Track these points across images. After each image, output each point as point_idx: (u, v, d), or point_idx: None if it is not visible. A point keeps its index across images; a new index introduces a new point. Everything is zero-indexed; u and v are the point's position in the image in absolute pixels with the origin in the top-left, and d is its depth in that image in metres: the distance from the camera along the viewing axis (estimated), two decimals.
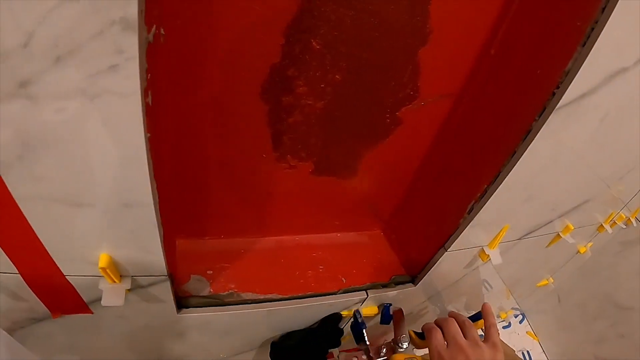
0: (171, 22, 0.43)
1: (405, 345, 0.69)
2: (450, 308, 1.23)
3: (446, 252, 0.73)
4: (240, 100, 0.56)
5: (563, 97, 0.51)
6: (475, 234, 0.72)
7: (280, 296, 0.75)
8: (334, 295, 0.77)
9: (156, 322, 0.71)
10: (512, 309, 1.61)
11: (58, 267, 0.48)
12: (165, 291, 0.61)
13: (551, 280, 1.35)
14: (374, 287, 0.80)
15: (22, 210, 0.40)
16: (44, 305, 0.55)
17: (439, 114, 0.69)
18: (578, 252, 1.21)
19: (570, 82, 0.49)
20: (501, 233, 0.77)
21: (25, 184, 0.38)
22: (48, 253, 0.46)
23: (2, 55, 0.29)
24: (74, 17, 0.28)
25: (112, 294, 0.50)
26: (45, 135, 0.34)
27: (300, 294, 0.76)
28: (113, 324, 0.67)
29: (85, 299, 0.55)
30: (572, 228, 0.95)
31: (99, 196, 0.41)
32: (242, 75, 0.53)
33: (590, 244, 1.20)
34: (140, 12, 0.29)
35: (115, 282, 0.50)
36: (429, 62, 0.60)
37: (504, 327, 1.65)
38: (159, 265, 0.53)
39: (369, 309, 0.82)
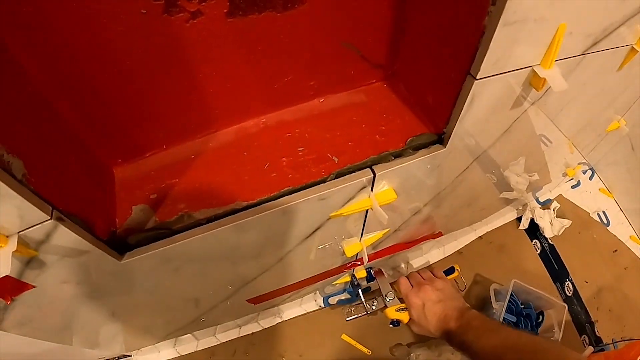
0: None
1: (389, 299, 0.82)
2: (508, 174, 0.95)
3: (475, 81, 0.44)
4: None
5: None
6: (513, 42, 0.42)
7: (245, 203, 0.51)
8: (324, 184, 0.52)
9: (102, 278, 0.53)
10: (580, 163, 1.33)
11: None
12: (72, 239, 0.44)
13: (623, 122, 1.04)
14: (382, 159, 0.54)
15: None
16: None
17: None
18: None
19: None
20: (557, 38, 0.46)
21: None
22: None
23: None
24: None
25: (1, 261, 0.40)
26: None
27: (274, 194, 0.51)
28: (63, 292, 0.53)
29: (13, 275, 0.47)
30: None
31: None
32: None
33: None
34: None
35: (1, 246, 0.41)
36: None
37: (572, 187, 1.40)
38: (29, 209, 0.39)
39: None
